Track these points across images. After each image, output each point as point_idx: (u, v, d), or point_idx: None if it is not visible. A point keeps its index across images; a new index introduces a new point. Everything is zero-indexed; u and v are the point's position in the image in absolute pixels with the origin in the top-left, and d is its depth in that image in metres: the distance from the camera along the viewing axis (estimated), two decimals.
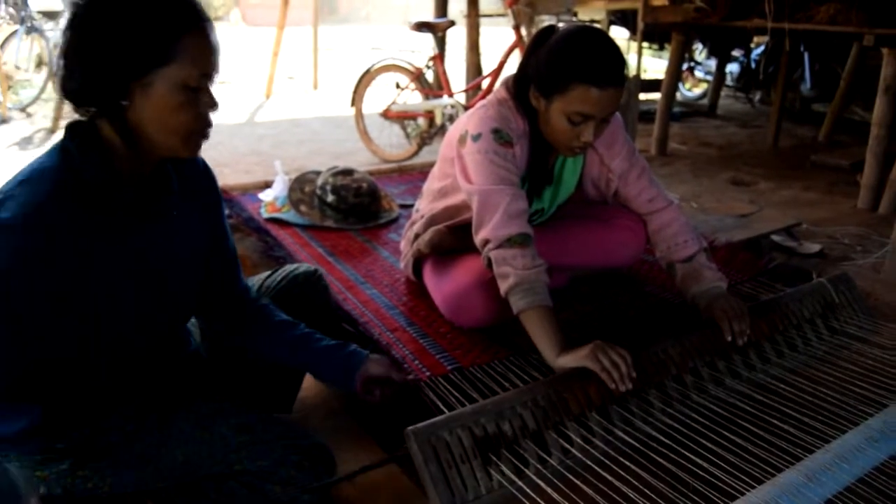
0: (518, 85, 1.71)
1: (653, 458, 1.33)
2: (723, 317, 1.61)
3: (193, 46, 1.06)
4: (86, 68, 1.03)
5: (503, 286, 1.55)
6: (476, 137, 1.67)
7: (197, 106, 1.09)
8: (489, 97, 1.77)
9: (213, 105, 1.11)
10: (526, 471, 1.25)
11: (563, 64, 1.55)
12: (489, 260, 1.59)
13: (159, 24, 1.03)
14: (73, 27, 1.04)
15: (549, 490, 1.21)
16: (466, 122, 1.72)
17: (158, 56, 1.04)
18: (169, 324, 1.28)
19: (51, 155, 1.09)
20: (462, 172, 1.70)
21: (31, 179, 1.04)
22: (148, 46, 1.03)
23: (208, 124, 1.13)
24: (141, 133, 1.09)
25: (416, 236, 1.98)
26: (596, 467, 1.30)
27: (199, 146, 1.15)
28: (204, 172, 1.33)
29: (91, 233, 1.08)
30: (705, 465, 1.29)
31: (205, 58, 1.08)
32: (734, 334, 1.60)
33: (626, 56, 1.64)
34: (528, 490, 1.20)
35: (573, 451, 1.33)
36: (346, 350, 1.43)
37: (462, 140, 1.70)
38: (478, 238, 1.62)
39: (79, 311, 1.10)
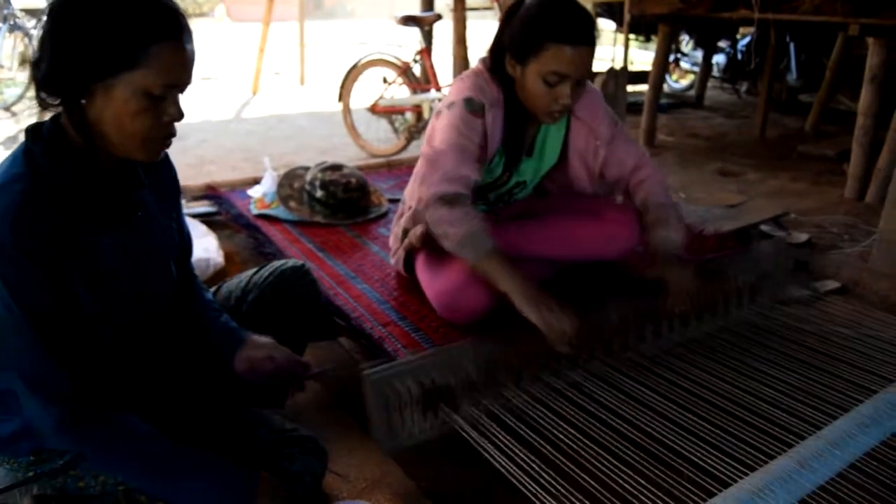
0: (493, 55, 1.76)
1: (646, 447, 1.34)
2: (670, 290, 1.70)
3: (163, 56, 1.03)
4: (53, 59, 1.02)
5: (447, 245, 1.63)
6: (450, 106, 1.73)
7: (158, 114, 1.06)
8: (467, 70, 1.80)
9: (177, 115, 1.09)
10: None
11: (536, 26, 1.60)
12: (424, 219, 1.68)
13: (131, 28, 1.01)
14: (51, 16, 1.03)
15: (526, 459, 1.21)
16: (445, 100, 1.78)
17: (124, 60, 1.01)
18: (155, 317, 1.27)
19: (15, 161, 1.06)
20: (428, 140, 1.76)
21: (1, 187, 1.02)
22: (115, 48, 1.01)
23: (170, 133, 1.11)
24: (99, 132, 1.07)
25: (405, 231, 1.97)
26: (587, 455, 1.30)
27: (157, 152, 1.12)
28: (166, 163, 1.31)
29: (68, 235, 1.06)
30: (698, 452, 1.30)
31: (173, 69, 1.05)
32: (669, 307, 1.71)
33: (610, 45, 1.68)
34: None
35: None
36: (230, 333, 1.36)
37: (439, 113, 1.77)
38: (416, 195, 1.71)
39: (70, 313, 1.09)
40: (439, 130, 1.72)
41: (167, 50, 1.04)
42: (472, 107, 1.70)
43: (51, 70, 1.03)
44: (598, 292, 1.96)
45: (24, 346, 1.05)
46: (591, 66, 1.66)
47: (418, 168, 1.89)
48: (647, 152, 1.95)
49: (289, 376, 1.34)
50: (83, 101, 1.04)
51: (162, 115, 1.07)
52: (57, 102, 1.07)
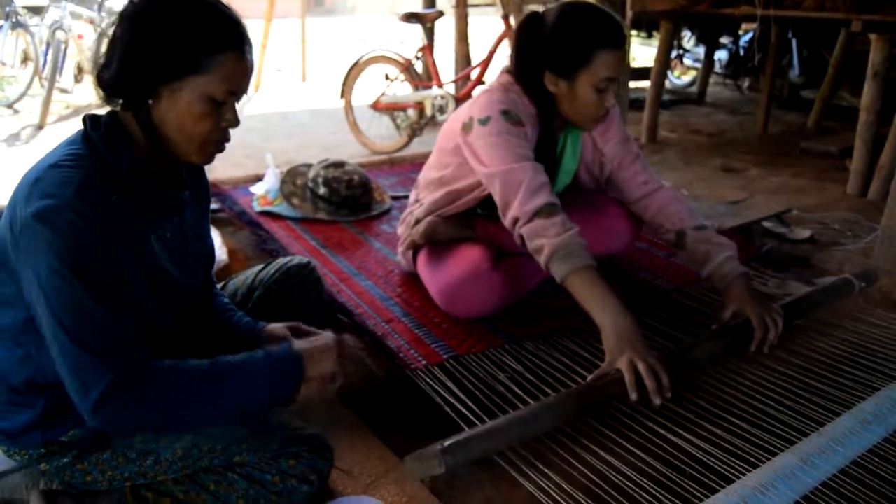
0: (522, 72, 1.72)
1: (646, 444, 1.34)
2: (758, 326, 1.59)
3: (229, 64, 1.09)
4: (123, 62, 1.07)
5: (541, 259, 1.55)
6: (484, 121, 1.67)
7: (218, 119, 1.12)
8: (491, 84, 1.78)
9: (234, 122, 1.15)
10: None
11: (582, 38, 1.60)
12: (522, 238, 1.59)
13: (201, 36, 1.07)
14: (124, 20, 1.07)
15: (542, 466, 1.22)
16: (469, 110, 1.72)
17: (193, 65, 1.07)
18: (182, 315, 1.29)
19: (74, 143, 1.10)
20: (474, 158, 1.69)
21: (61, 164, 1.06)
22: (186, 54, 1.06)
23: (226, 138, 1.17)
24: (161, 133, 1.12)
25: (417, 221, 1.97)
26: (593, 447, 1.31)
27: (212, 157, 1.18)
28: (202, 170, 1.35)
29: (125, 217, 1.09)
30: (701, 448, 1.30)
31: (237, 77, 1.11)
32: (761, 345, 1.60)
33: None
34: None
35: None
36: (249, 330, 1.41)
37: (467, 127, 1.70)
38: (507, 220, 1.63)
39: (128, 290, 1.10)
40: (489, 148, 1.65)
41: (232, 58, 1.09)
42: (512, 118, 1.67)
43: (121, 72, 1.07)
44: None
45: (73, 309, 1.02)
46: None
47: (443, 161, 1.87)
48: (659, 178, 1.89)
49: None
50: (150, 102, 1.09)
51: (221, 120, 1.13)
52: (119, 103, 1.11)
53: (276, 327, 1.40)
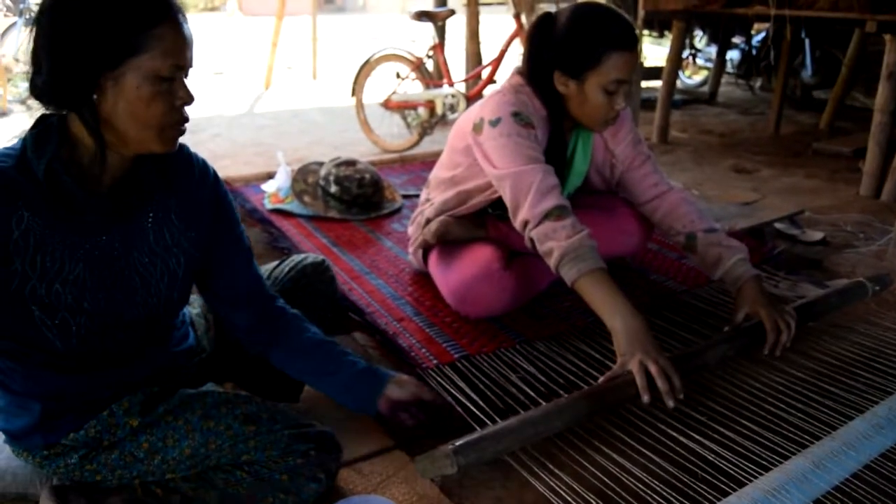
0: (533, 74, 1.71)
1: (658, 446, 1.34)
2: (771, 329, 1.58)
3: (164, 36, 1.03)
4: (54, 62, 1.01)
5: (551, 263, 1.54)
6: (495, 122, 1.67)
7: (171, 98, 1.07)
8: (502, 85, 1.77)
9: (187, 98, 1.09)
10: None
11: (592, 39, 1.59)
12: (532, 241, 1.59)
13: (128, 14, 1.01)
14: (40, 20, 1.02)
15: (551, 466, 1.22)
16: (480, 110, 1.72)
17: (128, 46, 1.01)
18: (144, 319, 1.22)
19: (19, 142, 1.08)
20: (485, 159, 1.69)
21: None
22: (117, 36, 1.00)
23: (183, 118, 1.11)
24: (113, 129, 1.06)
25: (428, 221, 1.97)
26: (605, 448, 1.31)
27: (174, 141, 1.12)
28: (198, 172, 1.27)
29: (36, 223, 1.06)
30: (712, 451, 1.30)
31: (177, 48, 1.05)
32: (774, 348, 1.59)
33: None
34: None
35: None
36: (368, 376, 1.36)
37: (478, 128, 1.70)
38: (517, 222, 1.62)
39: (32, 299, 1.08)
40: (500, 149, 1.65)
41: (168, 30, 1.04)
42: (523, 119, 1.67)
43: (54, 74, 1.01)
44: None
45: None
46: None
47: (454, 161, 1.87)
48: (671, 182, 1.88)
49: (426, 411, 1.37)
50: (94, 98, 1.03)
51: (175, 99, 1.07)
52: (61, 111, 1.06)
53: (406, 377, 1.38)
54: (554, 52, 1.65)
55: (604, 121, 1.68)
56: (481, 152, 1.70)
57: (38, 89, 1.04)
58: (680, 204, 1.81)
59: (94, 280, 1.13)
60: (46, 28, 1.01)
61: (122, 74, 1.02)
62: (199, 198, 1.27)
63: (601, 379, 1.43)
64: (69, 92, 1.02)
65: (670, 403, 1.35)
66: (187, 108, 1.11)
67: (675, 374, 1.37)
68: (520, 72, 1.77)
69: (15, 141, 1.10)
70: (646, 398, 1.35)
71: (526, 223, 1.59)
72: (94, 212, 1.11)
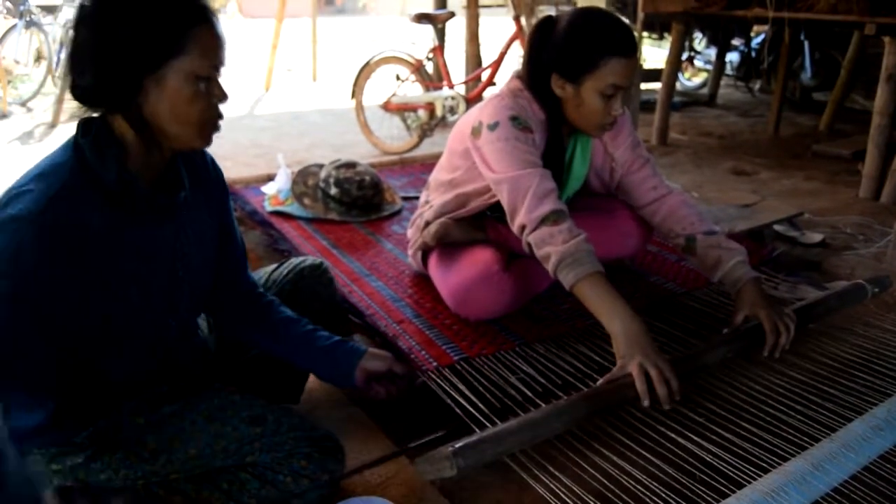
0: (532, 77, 1.72)
1: (658, 448, 1.34)
2: (771, 330, 1.59)
3: (202, 38, 1.09)
4: (98, 65, 1.05)
5: (549, 267, 1.55)
6: (493, 126, 1.67)
7: (208, 96, 1.12)
8: (501, 89, 1.78)
9: (222, 96, 1.15)
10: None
11: (590, 43, 1.60)
12: (529, 245, 1.60)
13: (169, 18, 1.06)
14: (83, 25, 1.06)
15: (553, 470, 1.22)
16: (479, 114, 1.73)
17: (170, 48, 1.06)
18: (183, 316, 1.29)
19: (65, 151, 1.10)
20: (483, 163, 1.70)
21: (44, 174, 1.06)
22: (159, 39, 1.05)
23: (220, 115, 1.16)
24: (156, 127, 1.11)
25: (427, 224, 1.97)
26: (605, 450, 1.31)
27: (211, 137, 1.17)
28: (210, 165, 1.35)
29: (105, 228, 1.09)
30: (711, 453, 1.30)
31: (213, 48, 1.11)
32: (773, 350, 1.59)
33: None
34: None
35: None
36: (344, 347, 1.43)
37: (476, 132, 1.71)
38: (514, 226, 1.63)
39: (94, 303, 1.11)
40: (497, 153, 1.65)
41: (205, 32, 1.09)
42: (521, 124, 1.67)
43: (99, 77, 1.05)
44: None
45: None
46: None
47: (453, 164, 1.88)
48: (670, 185, 1.88)
49: (394, 382, 1.43)
50: (139, 99, 1.08)
51: (211, 97, 1.12)
52: (102, 112, 1.10)
53: (379, 350, 1.45)
54: (552, 54, 1.65)
55: (600, 126, 1.68)
56: (479, 156, 1.70)
57: (82, 92, 1.08)
58: (679, 207, 1.81)
59: (153, 275, 1.19)
60: (90, 33, 1.05)
61: (163, 76, 1.07)
62: (214, 189, 1.34)
63: (600, 381, 1.43)
64: (115, 94, 1.07)
65: (667, 407, 1.36)
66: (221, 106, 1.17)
67: (673, 378, 1.37)
68: (518, 76, 1.77)
69: (54, 151, 1.12)
70: (646, 402, 1.36)
71: (523, 227, 1.60)
72: (152, 210, 1.17)
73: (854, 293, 1.87)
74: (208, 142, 1.18)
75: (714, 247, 1.72)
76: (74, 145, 1.10)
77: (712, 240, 1.73)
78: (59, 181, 1.05)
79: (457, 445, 1.21)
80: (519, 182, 1.61)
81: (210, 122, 1.14)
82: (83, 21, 1.06)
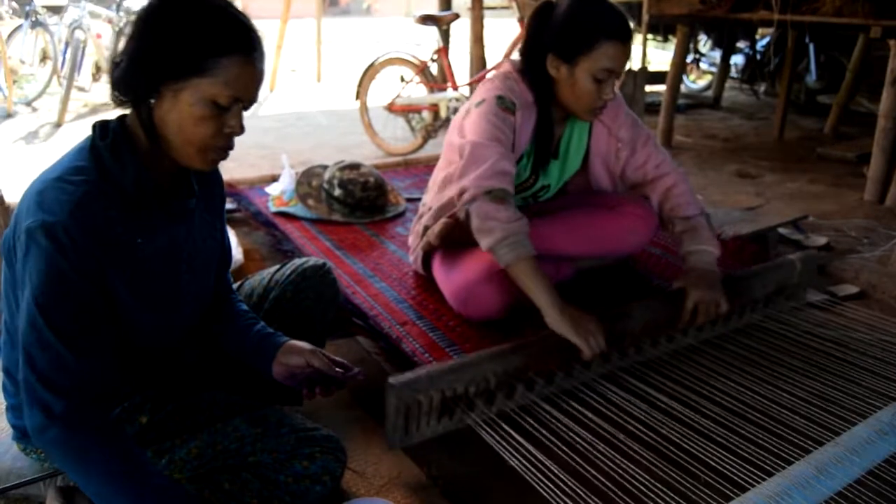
0: (528, 57, 1.77)
1: (661, 449, 1.34)
2: (688, 310, 1.68)
3: (233, 68, 1.07)
4: (131, 59, 1.08)
5: (487, 240, 1.60)
6: (479, 104, 1.74)
7: (219, 125, 1.10)
8: (494, 73, 1.82)
9: (238, 130, 1.12)
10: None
11: (587, 25, 1.65)
12: (467, 213, 1.63)
13: (207, 37, 1.06)
14: (137, 20, 1.09)
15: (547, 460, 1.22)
16: (471, 100, 1.80)
17: (196, 66, 1.06)
18: (188, 317, 1.29)
19: (81, 153, 1.11)
20: (459, 132, 1.76)
21: (65, 178, 1.06)
22: (190, 54, 1.06)
23: (228, 146, 1.14)
24: (161, 133, 1.11)
25: (426, 229, 1.98)
26: (602, 456, 1.31)
27: (214, 162, 1.15)
28: (216, 176, 1.35)
29: (125, 231, 1.10)
30: (715, 455, 1.30)
31: (241, 82, 1.09)
32: (688, 319, 1.69)
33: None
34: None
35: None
36: (270, 340, 1.35)
37: (467, 112, 1.78)
38: (456, 186, 1.68)
39: (120, 306, 1.12)
40: (473, 124, 1.72)
41: (237, 63, 1.08)
42: (504, 104, 1.72)
43: (128, 69, 1.08)
44: (617, 293, 1.97)
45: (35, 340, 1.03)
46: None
47: (448, 158, 1.90)
48: (671, 158, 1.95)
49: (325, 381, 1.33)
50: (152, 101, 1.09)
51: (223, 126, 1.11)
52: (127, 100, 1.11)
53: (301, 344, 1.35)
54: (550, 35, 1.70)
55: (591, 109, 1.73)
56: (460, 130, 1.77)
57: (114, 79, 1.10)
58: (674, 186, 1.88)
59: (165, 277, 1.20)
60: (139, 28, 1.09)
61: (182, 88, 1.07)
62: (218, 191, 1.35)
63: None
64: (134, 87, 1.09)
65: (588, 358, 1.52)
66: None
67: (600, 334, 1.51)
68: (511, 61, 1.84)
69: (68, 153, 1.13)
70: (587, 354, 1.51)
71: (464, 191, 1.64)
72: (167, 211, 1.17)
73: (781, 267, 1.98)
74: (208, 165, 1.15)
75: (688, 231, 1.81)
76: (92, 148, 1.11)
77: (688, 224, 1.82)
78: (82, 186, 1.06)
79: (395, 379, 1.36)
80: (481, 150, 1.66)
81: (214, 148, 1.12)
82: (138, 16, 1.09)
